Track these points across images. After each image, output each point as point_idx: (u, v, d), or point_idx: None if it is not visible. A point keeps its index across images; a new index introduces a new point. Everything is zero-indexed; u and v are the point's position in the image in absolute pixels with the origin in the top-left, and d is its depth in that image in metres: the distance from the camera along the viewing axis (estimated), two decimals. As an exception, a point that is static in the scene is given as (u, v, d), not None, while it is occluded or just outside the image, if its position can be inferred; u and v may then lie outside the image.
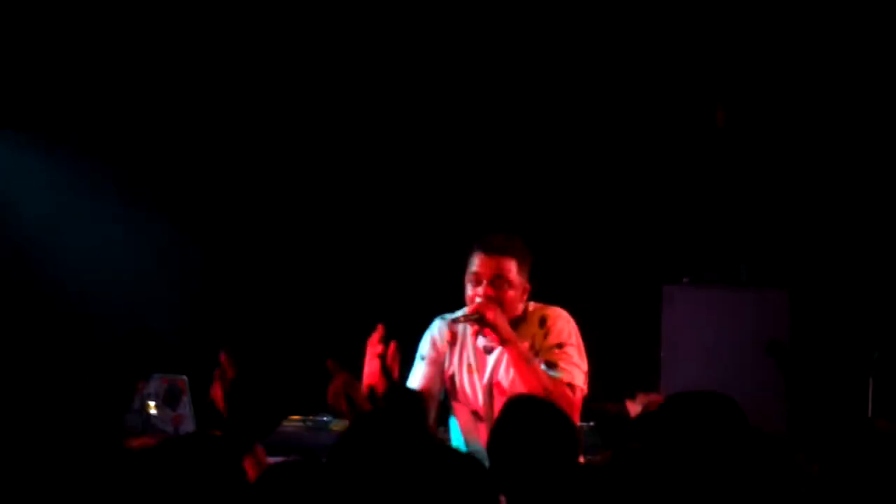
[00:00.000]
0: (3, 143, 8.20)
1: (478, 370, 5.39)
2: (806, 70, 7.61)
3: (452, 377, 5.44)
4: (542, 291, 5.42)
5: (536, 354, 5.25)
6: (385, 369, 4.98)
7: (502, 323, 5.20)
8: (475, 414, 5.37)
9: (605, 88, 7.83)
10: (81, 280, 8.14)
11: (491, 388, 5.33)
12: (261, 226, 8.20)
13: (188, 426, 6.21)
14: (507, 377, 5.27)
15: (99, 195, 8.21)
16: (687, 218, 7.67)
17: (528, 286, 5.35)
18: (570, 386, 5.19)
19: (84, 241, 8.19)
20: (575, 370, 5.25)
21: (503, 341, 5.19)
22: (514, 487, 3.89)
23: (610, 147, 7.84)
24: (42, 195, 8.21)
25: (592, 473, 3.96)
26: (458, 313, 5.39)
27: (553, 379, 5.16)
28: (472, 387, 5.37)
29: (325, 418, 6.45)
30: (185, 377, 6.25)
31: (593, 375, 5.30)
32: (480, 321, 5.22)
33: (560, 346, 5.29)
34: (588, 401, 5.37)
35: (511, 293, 5.29)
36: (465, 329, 5.41)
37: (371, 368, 5.04)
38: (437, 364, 5.46)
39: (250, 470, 4.31)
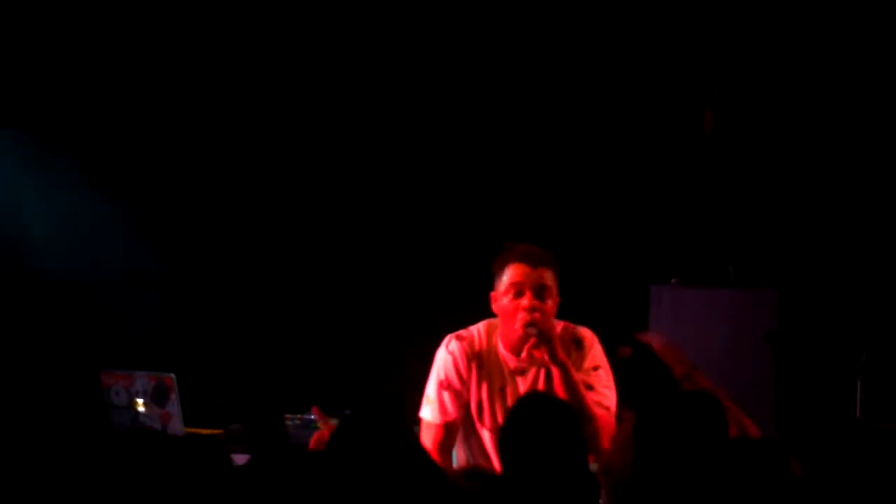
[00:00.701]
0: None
1: (509, 393, 5.18)
2: (793, 72, 7.63)
3: (480, 402, 5.22)
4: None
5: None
6: None
7: (557, 340, 5.05)
8: None
9: (594, 90, 7.84)
10: (66, 277, 8.13)
11: None
12: (249, 222, 8.19)
13: (176, 424, 6.21)
14: None
15: (82, 189, 8.19)
16: (675, 219, 7.69)
17: (559, 298, 5.18)
18: (607, 409, 5.09)
19: (67, 235, 8.18)
20: (609, 393, 5.16)
21: (556, 360, 5.02)
22: (522, 487, 3.87)
23: (599, 149, 7.85)
24: (27, 193, 8.20)
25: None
26: (474, 329, 5.21)
27: (594, 403, 5.05)
28: (502, 411, 5.14)
29: (312, 417, 6.44)
30: (172, 375, 6.24)
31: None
32: (542, 336, 5.02)
33: (596, 368, 5.18)
34: None
35: (551, 304, 5.12)
36: (489, 350, 5.19)
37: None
38: (461, 390, 5.21)
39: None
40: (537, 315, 5.06)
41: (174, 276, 8.20)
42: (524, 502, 3.84)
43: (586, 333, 5.27)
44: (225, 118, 8.13)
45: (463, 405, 5.22)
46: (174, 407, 6.21)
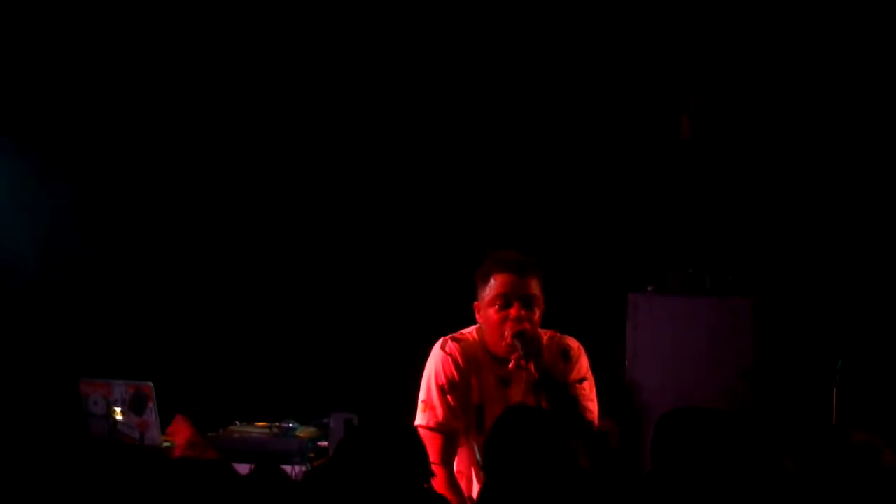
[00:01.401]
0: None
1: (504, 399, 5.05)
2: (769, 80, 7.66)
3: (480, 407, 5.09)
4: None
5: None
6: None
7: (545, 352, 4.97)
8: None
9: (570, 99, 7.85)
10: (45, 282, 8.11)
11: None
12: (229, 230, 8.18)
13: (154, 433, 6.20)
14: None
15: (63, 195, 8.18)
16: (652, 227, 7.70)
17: (544, 306, 5.10)
18: (591, 423, 5.05)
19: (46, 239, 8.16)
20: (592, 405, 5.12)
21: (542, 371, 4.93)
22: (509, 495, 3.86)
23: (575, 157, 7.87)
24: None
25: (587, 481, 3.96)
26: (467, 332, 5.12)
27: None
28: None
29: (290, 424, 6.44)
30: (150, 383, 6.24)
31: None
32: (529, 348, 4.91)
33: (582, 380, 5.13)
34: None
35: (538, 313, 5.05)
36: (484, 354, 5.06)
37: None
38: (463, 391, 5.05)
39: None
40: (526, 325, 4.99)
41: (152, 283, 8.19)
42: None
43: (573, 344, 5.21)
44: (210, 123, 8.13)
45: (466, 407, 5.07)
46: (152, 415, 6.20)
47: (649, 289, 7.20)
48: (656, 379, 6.83)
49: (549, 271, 5.42)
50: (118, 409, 6.22)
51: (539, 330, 5.11)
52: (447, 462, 5.06)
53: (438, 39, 7.92)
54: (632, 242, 7.73)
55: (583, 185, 7.87)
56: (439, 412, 5.05)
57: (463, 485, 5.08)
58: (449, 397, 5.06)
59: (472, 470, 5.18)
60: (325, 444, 6.13)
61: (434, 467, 4.86)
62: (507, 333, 5.00)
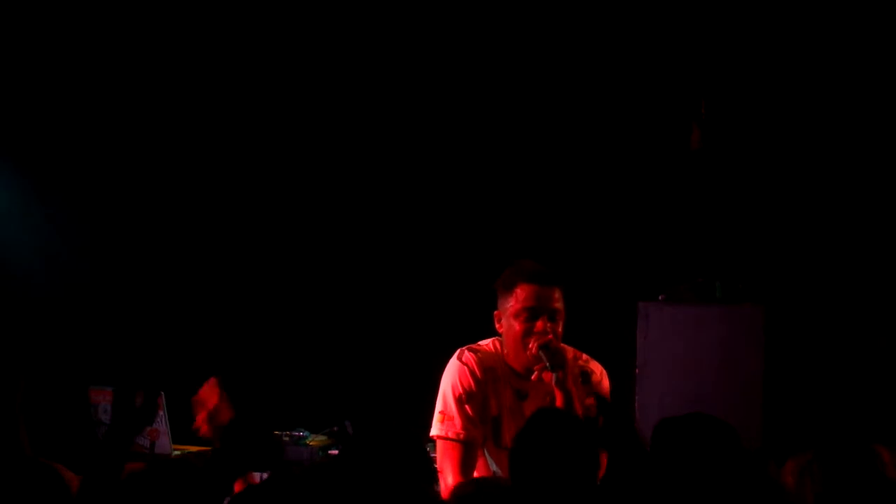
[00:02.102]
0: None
1: (522, 411, 5.01)
2: (779, 90, 7.66)
3: (497, 420, 5.04)
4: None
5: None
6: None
7: (568, 367, 4.91)
8: None
9: (581, 107, 7.86)
10: (57, 292, 8.12)
11: None
12: (240, 239, 8.19)
13: (164, 441, 6.21)
14: None
15: (68, 205, 8.19)
16: (662, 235, 7.71)
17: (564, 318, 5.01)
18: None
19: (57, 251, 8.17)
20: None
21: (563, 387, 4.90)
22: (535, 499, 3.85)
23: (586, 166, 7.88)
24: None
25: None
26: (484, 343, 5.06)
27: None
28: (517, 429, 4.70)
29: (302, 433, 6.45)
30: (161, 392, 6.24)
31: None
32: (554, 360, 4.86)
33: (596, 405, 5.04)
34: None
35: (561, 326, 5.01)
36: (503, 366, 5.01)
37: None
38: (479, 403, 4.99)
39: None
40: (550, 337, 4.95)
41: (164, 292, 8.20)
42: None
43: (597, 368, 5.20)
44: (215, 129, 8.14)
45: (483, 419, 4.99)
46: (162, 424, 6.21)
47: (660, 297, 7.19)
48: (666, 387, 6.82)
49: (566, 282, 5.45)
50: (128, 418, 6.21)
51: (562, 345, 5.06)
52: (466, 473, 5.01)
53: (448, 50, 7.93)
54: (642, 251, 7.74)
55: (593, 194, 7.87)
56: (458, 422, 5.01)
57: None
58: (467, 407, 5.02)
59: None
60: (336, 452, 6.13)
61: (454, 478, 4.86)
62: (532, 345, 4.95)
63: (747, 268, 7.42)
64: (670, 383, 6.89)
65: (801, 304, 7.56)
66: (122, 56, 8.05)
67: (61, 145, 8.14)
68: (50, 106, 8.07)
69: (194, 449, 6.53)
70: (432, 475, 3.84)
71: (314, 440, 6.32)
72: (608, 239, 7.83)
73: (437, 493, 3.90)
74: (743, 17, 7.64)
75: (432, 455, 6.06)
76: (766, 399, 6.93)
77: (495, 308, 5.16)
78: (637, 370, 7.00)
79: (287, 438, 6.42)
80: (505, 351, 5.10)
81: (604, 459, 4.16)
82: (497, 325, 5.11)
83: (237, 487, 4.70)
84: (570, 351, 5.16)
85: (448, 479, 4.92)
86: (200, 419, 4.70)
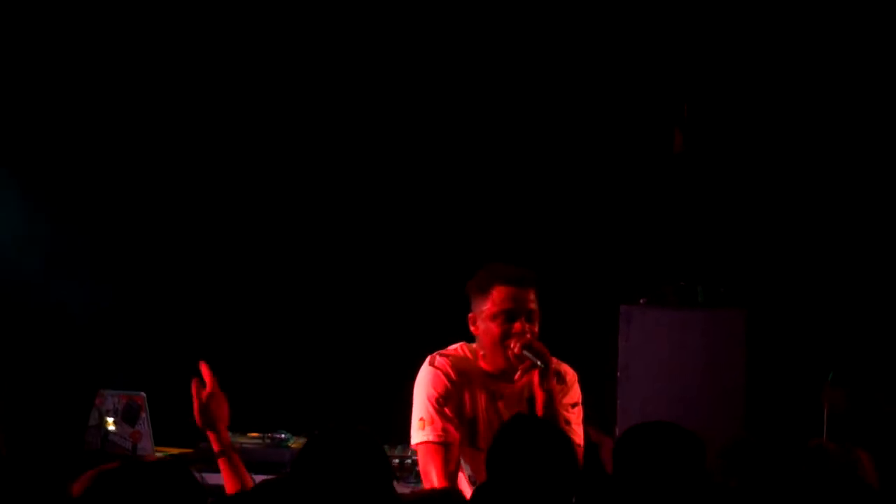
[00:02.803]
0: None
1: (498, 412, 5.03)
2: (761, 94, 7.68)
3: (473, 421, 5.02)
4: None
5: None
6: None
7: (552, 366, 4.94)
8: None
9: (564, 110, 7.87)
10: (37, 294, 8.10)
11: None
12: (220, 241, 8.18)
13: (146, 443, 6.21)
14: None
15: (50, 206, 8.18)
16: (645, 239, 7.72)
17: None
18: (578, 446, 4.99)
19: (36, 255, 8.16)
20: (581, 431, 5.11)
21: (545, 386, 4.91)
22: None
23: (568, 169, 7.88)
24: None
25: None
26: (455, 348, 5.06)
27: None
28: (492, 432, 4.80)
29: (283, 435, 6.45)
30: (143, 393, 6.25)
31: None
32: (542, 357, 4.87)
33: (575, 405, 5.12)
34: None
35: (537, 327, 5.02)
36: (475, 369, 5.00)
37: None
38: (455, 406, 4.98)
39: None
40: (529, 336, 4.95)
41: (145, 294, 8.18)
42: None
43: (568, 368, 5.18)
44: (198, 137, 8.13)
45: (461, 420, 5.00)
46: (144, 426, 6.21)
47: (641, 301, 7.21)
48: (648, 391, 6.84)
49: (541, 283, 5.44)
50: (110, 419, 6.23)
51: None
52: (451, 475, 5.01)
53: (429, 49, 7.93)
54: (624, 254, 7.75)
55: (575, 198, 7.88)
56: (438, 425, 5.00)
57: None
58: (446, 409, 5.00)
59: (463, 484, 5.14)
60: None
61: (440, 481, 4.87)
62: (514, 346, 4.94)
63: (729, 272, 7.44)
64: (652, 387, 6.90)
65: (783, 309, 7.58)
66: (121, 57, 8.04)
67: (58, 147, 8.12)
68: (46, 108, 8.06)
69: (176, 451, 6.52)
70: (389, 475, 3.83)
71: (295, 442, 6.31)
72: (590, 242, 7.83)
73: (396, 494, 3.90)
74: (726, 22, 7.66)
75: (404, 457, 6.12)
76: (748, 403, 6.94)
77: (468, 311, 5.16)
78: (619, 374, 7.01)
79: (268, 440, 6.42)
80: (481, 353, 5.10)
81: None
82: (472, 328, 5.10)
83: (229, 490, 4.71)
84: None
85: (434, 483, 4.92)
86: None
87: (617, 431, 6.55)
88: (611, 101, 7.81)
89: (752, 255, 7.66)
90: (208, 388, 4.75)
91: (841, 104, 7.63)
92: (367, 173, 8.06)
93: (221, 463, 4.68)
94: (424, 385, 5.06)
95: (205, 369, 4.82)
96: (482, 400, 5.08)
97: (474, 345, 5.16)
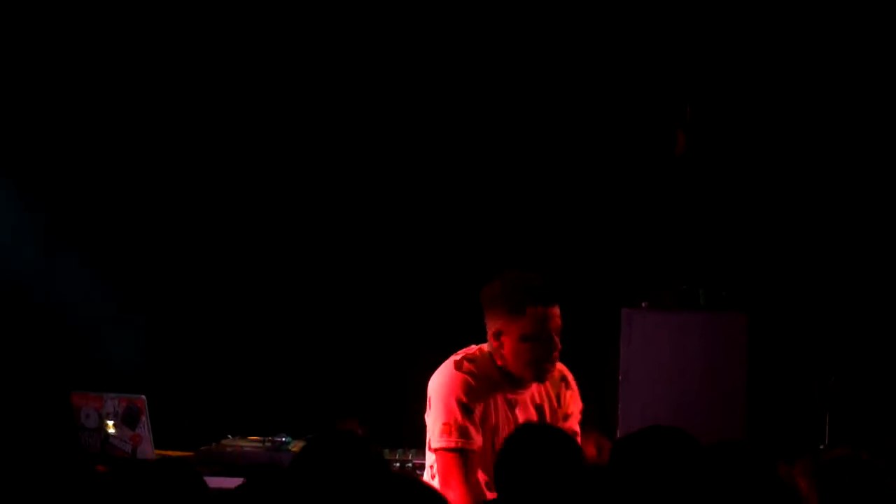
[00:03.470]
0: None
1: (506, 422, 4.97)
2: (764, 96, 7.67)
3: (496, 428, 4.95)
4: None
5: (557, 411, 5.04)
6: None
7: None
8: None
9: (564, 112, 7.86)
10: (35, 299, 8.09)
11: None
12: (217, 245, 8.17)
13: (146, 446, 6.20)
14: None
15: (47, 209, 8.17)
16: (646, 242, 7.71)
17: None
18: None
19: (34, 256, 8.14)
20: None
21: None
22: None
23: (570, 171, 7.87)
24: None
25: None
26: (477, 352, 5.00)
27: None
28: None
29: (283, 438, 6.44)
30: (143, 397, 6.24)
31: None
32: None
33: (581, 411, 5.15)
34: None
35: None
36: (494, 375, 4.94)
37: None
38: (482, 413, 4.92)
39: None
40: (556, 355, 4.95)
41: (144, 297, 8.17)
42: None
43: (568, 372, 5.20)
44: (191, 145, 8.12)
45: (486, 427, 4.94)
46: (145, 429, 6.20)
47: (643, 304, 7.20)
48: (649, 394, 6.82)
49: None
50: (111, 423, 6.22)
51: None
52: (472, 484, 4.94)
53: (431, 50, 7.93)
54: (626, 257, 7.74)
55: (577, 200, 7.87)
56: (466, 430, 4.92)
57: None
58: (475, 416, 4.92)
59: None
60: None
61: (460, 490, 4.83)
62: (547, 364, 4.93)
63: (731, 275, 7.43)
64: (653, 390, 6.89)
65: (785, 312, 7.57)
66: (115, 57, 8.04)
67: (53, 145, 8.11)
68: (42, 108, 8.06)
69: (176, 454, 6.52)
70: (386, 478, 3.82)
71: (296, 446, 6.30)
72: (592, 244, 7.82)
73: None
74: (728, 23, 7.65)
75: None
76: (750, 406, 6.94)
77: (479, 314, 5.13)
78: (620, 377, 7.00)
79: (269, 444, 6.41)
80: (499, 360, 5.05)
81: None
82: (493, 343, 5.01)
83: None
84: None
85: (455, 491, 4.86)
86: None
87: (618, 435, 6.54)
88: (613, 103, 7.80)
89: (754, 258, 7.65)
90: None
91: (842, 107, 7.62)
92: (363, 177, 8.05)
93: None
94: (451, 389, 4.96)
95: None
96: (502, 407, 5.03)
97: (486, 347, 5.10)
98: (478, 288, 5.12)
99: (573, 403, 5.15)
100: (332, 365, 7.95)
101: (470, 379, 4.95)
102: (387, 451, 6.30)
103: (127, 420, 6.22)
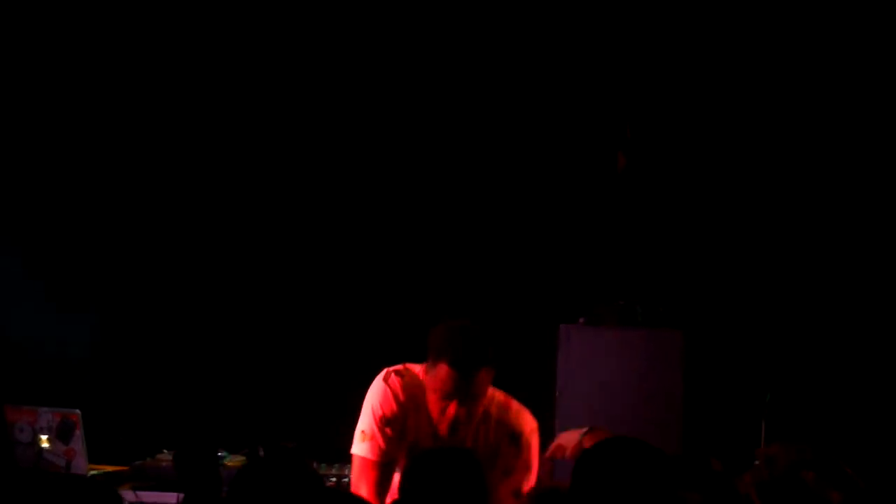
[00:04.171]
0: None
1: (427, 440, 4.93)
2: (703, 117, 7.72)
3: (414, 445, 4.94)
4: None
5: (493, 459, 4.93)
6: None
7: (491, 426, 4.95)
8: None
9: (506, 130, 7.88)
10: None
11: None
12: (164, 251, 8.13)
13: (80, 461, 6.14)
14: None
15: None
16: (584, 259, 7.74)
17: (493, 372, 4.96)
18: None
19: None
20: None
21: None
22: None
23: (509, 188, 7.89)
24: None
25: None
26: (412, 368, 4.98)
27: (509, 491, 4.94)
28: None
29: (219, 453, 6.40)
30: (78, 411, 6.18)
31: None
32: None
33: (532, 477, 5.02)
34: None
35: (479, 402, 4.90)
36: (424, 393, 4.90)
37: None
38: (402, 427, 4.94)
39: None
40: (462, 412, 4.86)
41: (81, 309, 8.12)
42: None
43: (527, 427, 5.05)
44: (162, 156, 8.09)
45: (403, 443, 4.96)
46: (79, 443, 6.14)
47: (580, 320, 7.23)
48: (587, 409, 6.85)
49: (481, 304, 5.44)
50: (44, 437, 6.16)
51: (491, 393, 4.99)
52: (381, 494, 4.96)
53: (368, 69, 7.95)
54: (564, 274, 7.76)
55: (517, 217, 7.89)
56: (377, 444, 4.95)
57: None
58: (387, 430, 4.95)
59: None
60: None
61: (369, 498, 4.85)
62: (443, 414, 4.88)
63: (668, 291, 7.47)
64: (591, 405, 6.91)
65: (721, 329, 7.62)
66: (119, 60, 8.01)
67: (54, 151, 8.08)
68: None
69: (111, 468, 6.47)
70: (321, 493, 3.81)
71: (232, 461, 6.27)
72: (530, 261, 7.84)
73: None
74: (668, 44, 7.70)
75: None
76: (686, 421, 6.97)
77: (413, 330, 5.14)
78: (557, 392, 7.03)
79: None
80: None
81: None
82: (424, 370, 4.97)
83: None
84: (497, 399, 5.04)
85: (363, 495, 4.90)
86: None
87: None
88: (553, 122, 7.83)
89: (691, 275, 7.70)
90: None
91: (780, 126, 7.69)
92: (315, 187, 8.05)
93: None
94: (372, 400, 5.00)
95: None
96: (424, 425, 4.99)
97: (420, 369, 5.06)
98: (412, 304, 5.13)
99: (517, 463, 5.02)
100: (271, 378, 7.93)
101: (392, 393, 4.96)
102: (323, 465, 6.29)
103: (61, 434, 6.16)
